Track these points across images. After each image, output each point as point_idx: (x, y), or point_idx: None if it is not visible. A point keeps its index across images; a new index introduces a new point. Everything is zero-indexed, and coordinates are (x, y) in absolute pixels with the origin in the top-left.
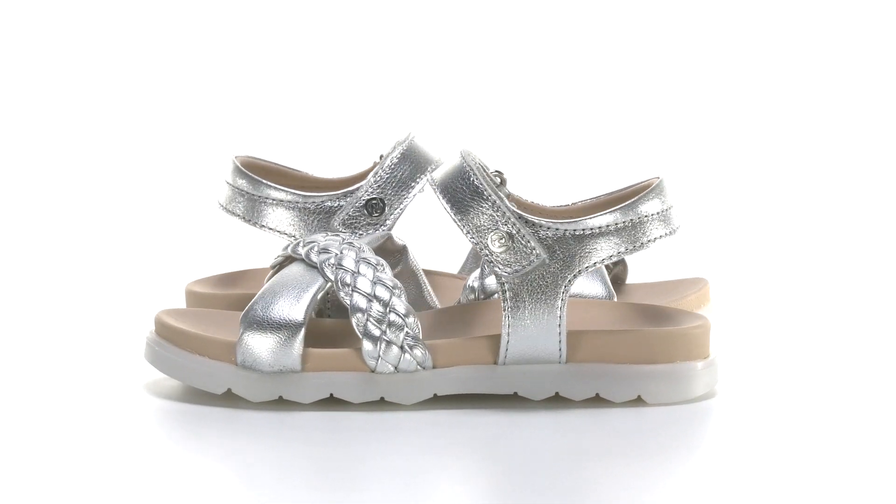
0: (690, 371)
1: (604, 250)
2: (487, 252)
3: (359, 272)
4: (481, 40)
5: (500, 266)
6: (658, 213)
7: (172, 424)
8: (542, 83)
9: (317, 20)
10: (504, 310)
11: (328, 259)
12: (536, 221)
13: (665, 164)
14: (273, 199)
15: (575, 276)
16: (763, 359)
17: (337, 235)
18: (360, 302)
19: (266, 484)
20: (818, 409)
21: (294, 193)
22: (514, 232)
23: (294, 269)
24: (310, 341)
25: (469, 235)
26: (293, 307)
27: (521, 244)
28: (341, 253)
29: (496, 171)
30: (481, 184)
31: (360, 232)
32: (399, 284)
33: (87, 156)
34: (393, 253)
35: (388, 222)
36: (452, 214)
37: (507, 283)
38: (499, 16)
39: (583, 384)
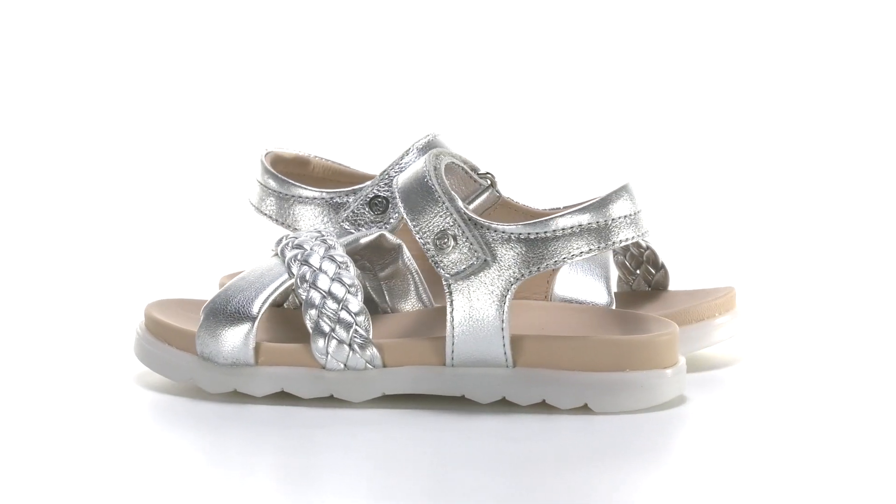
0: (639, 381)
1: (554, 255)
2: (432, 253)
3: (321, 269)
4: (497, 42)
5: (443, 268)
6: (619, 219)
7: (164, 416)
8: (560, 89)
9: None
10: (448, 312)
11: (296, 255)
12: (486, 224)
13: (690, 173)
14: (301, 198)
15: (518, 280)
16: (771, 367)
17: (317, 232)
18: (315, 298)
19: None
20: (820, 419)
21: (310, 190)
22: (458, 234)
23: (267, 264)
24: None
25: (418, 235)
26: (250, 301)
27: (465, 246)
28: (310, 250)
29: (485, 173)
30: (433, 185)
31: (363, 230)
32: (357, 284)
33: (121, 152)
34: (388, 251)
35: (391, 221)
36: (405, 214)
37: (451, 284)
38: (514, 18)
39: (529, 389)
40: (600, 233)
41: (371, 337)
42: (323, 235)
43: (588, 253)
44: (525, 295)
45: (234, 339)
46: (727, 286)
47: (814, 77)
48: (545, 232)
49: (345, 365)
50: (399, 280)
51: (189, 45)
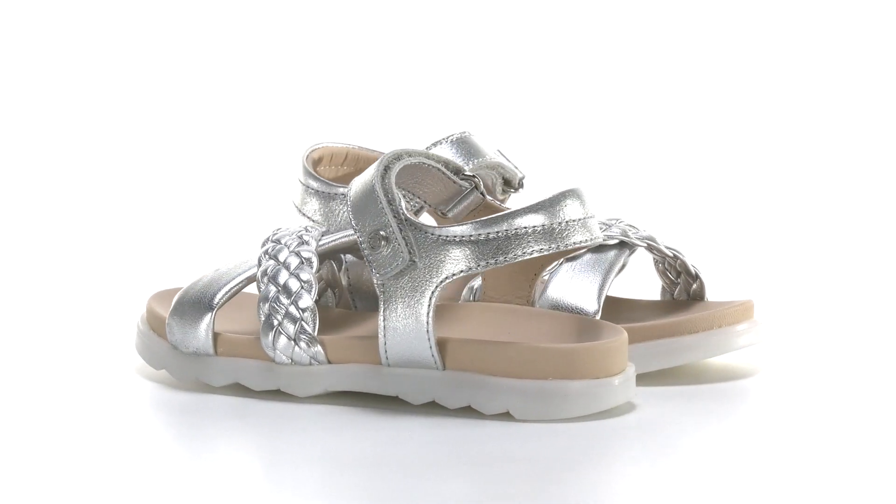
0: (561, 389)
1: (463, 260)
2: (366, 252)
3: (283, 264)
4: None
5: (374, 267)
6: (540, 226)
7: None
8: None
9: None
10: (380, 311)
11: (268, 249)
12: (421, 226)
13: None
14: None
15: (440, 284)
16: (789, 378)
17: (303, 228)
18: (270, 292)
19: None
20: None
21: (330, 184)
22: (390, 234)
23: (246, 256)
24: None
25: (356, 234)
26: (214, 291)
27: (394, 247)
28: (283, 245)
29: (470, 176)
30: (376, 185)
31: None
32: (313, 281)
33: (141, 150)
34: None
35: None
36: (349, 212)
37: (383, 284)
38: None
39: (457, 393)
40: (547, 234)
41: (316, 333)
42: (306, 231)
43: (537, 253)
44: (507, 298)
45: (195, 327)
46: (745, 298)
47: (830, 85)
48: (480, 234)
49: (291, 359)
50: None
51: (195, 44)
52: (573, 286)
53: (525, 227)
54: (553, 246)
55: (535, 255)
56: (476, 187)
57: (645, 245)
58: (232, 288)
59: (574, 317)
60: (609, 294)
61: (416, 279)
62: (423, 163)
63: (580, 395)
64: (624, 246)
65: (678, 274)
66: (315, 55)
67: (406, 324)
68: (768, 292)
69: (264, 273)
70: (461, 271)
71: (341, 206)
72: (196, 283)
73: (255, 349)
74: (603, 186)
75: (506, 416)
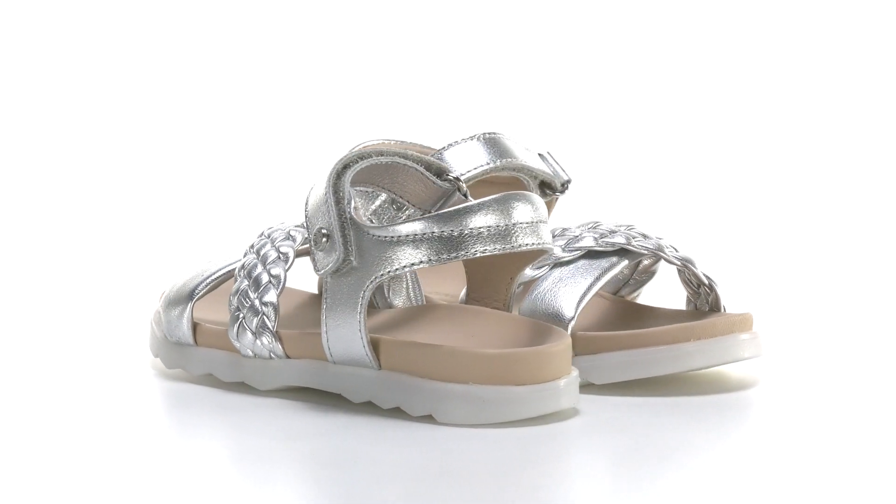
0: (481, 394)
1: (408, 258)
2: (312, 249)
3: (262, 258)
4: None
5: (316, 264)
6: (485, 228)
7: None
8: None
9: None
10: (322, 309)
11: (254, 244)
12: (362, 227)
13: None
14: None
15: (372, 282)
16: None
17: (297, 227)
18: (242, 285)
19: None
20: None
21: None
22: (331, 233)
23: (242, 252)
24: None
25: (307, 230)
26: (195, 283)
27: (334, 244)
28: (269, 239)
29: (452, 178)
30: (328, 184)
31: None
32: (282, 278)
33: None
34: None
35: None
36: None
37: (326, 281)
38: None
39: (389, 393)
40: (499, 235)
41: (274, 328)
42: (298, 228)
43: (487, 252)
44: (486, 301)
45: (177, 317)
46: (744, 311)
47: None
48: (396, 236)
49: (253, 352)
50: (394, 278)
51: (214, 48)
52: (556, 291)
53: (474, 228)
54: (504, 246)
55: (485, 254)
56: (458, 189)
57: (649, 254)
58: (213, 280)
59: (532, 322)
60: (638, 301)
61: (353, 278)
62: (400, 163)
63: (499, 400)
64: (626, 254)
65: (699, 284)
66: (344, 54)
67: (343, 321)
68: (762, 304)
69: (243, 266)
70: (395, 269)
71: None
72: (184, 275)
73: (227, 341)
74: (619, 193)
75: (431, 418)
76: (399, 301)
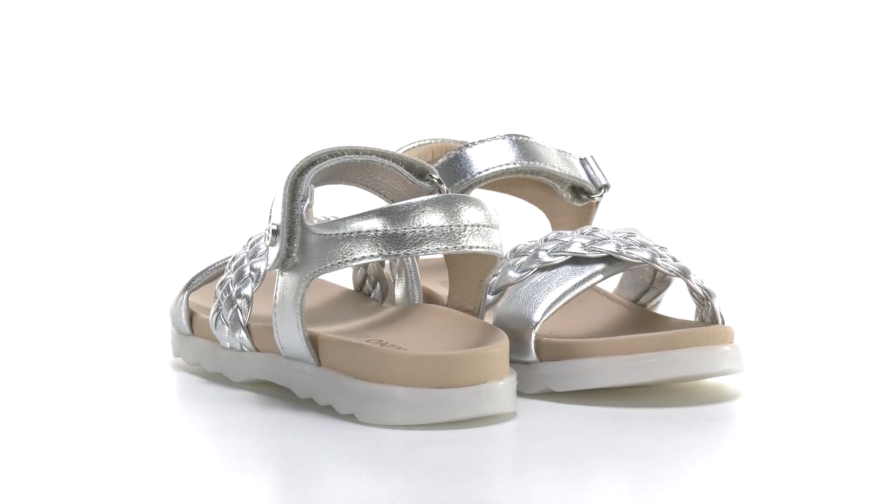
0: (398, 395)
1: (351, 254)
2: (266, 244)
3: (251, 254)
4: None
5: (267, 259)
6: (429, 228)
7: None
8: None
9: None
10: (273, 304)
11: (254, 236)
12: (307, 226)
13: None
14: None
15: (310, 278)
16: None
17: None
18: (227, 276)
19: None
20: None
21: None
22: (280, 229)
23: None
24: None
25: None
26: (197, 273)
27: (280, 241)
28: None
29: (435, 179)
30: (285, 182)
31: None
32: (262, 272)
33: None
34: None
35: None
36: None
37: (277, 277)
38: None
39: (323, 390)
40: (397, 240)
41: (246, 321)
42: None
43: (380, 257)
44: (461, 304)
45: (175, 306)
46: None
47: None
48: (337, 233)
49: (229, 343)
50: (399, 275)
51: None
52: (531, 295)
53: (419, 227)
54: (450, 246)
55: (435, 253)
56: (438, 191)
57: (642, 263)
58: (210, 271)
59: (484, 325)
60: (657, 311)
61: (296, 274)
62: (377, 162)
63: (418, 403)
64: (614, 262)
65: (703, 299)
66: (361, 55)
67: (286, 317)
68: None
69: (234, 258)
70: (336, 265)
71: None
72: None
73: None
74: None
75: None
76: (401, 300)
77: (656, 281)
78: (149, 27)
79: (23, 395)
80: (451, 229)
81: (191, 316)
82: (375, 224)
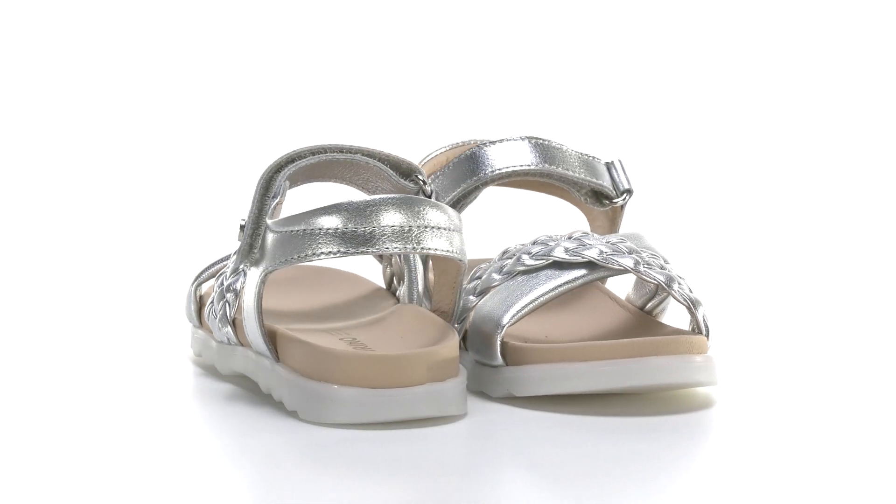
0: (328, 393)
1: (310, 250)
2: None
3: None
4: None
5: (236, 253)
6: (397, 227)
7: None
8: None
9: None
10: (240, 298)
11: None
12: (267, 223)
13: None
14: None
15: (265, 273)
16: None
17: None
18: (224, 269)
19: None
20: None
21: None
22: (245, 224)
23: None
24: None
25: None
26: (205, 266)
27: (245, 236)
28: None
29: (420, 180)
30: (260, 176)
31: None
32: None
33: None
34: None
35: None
36: None
37: (245, 271)
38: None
39: (277, 386)
40: (357, 238)
41: (232, 315)
42: None
43: (338, 254)
44: (440, 306)
45: (187, 299)
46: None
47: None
48: (292, 230)
49: (218, 336)
50: (406, 273)
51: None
52: (505, 297)
53: (378, 226)
54: (408, 247)
55: (395, 252)
56: (423, 192)
57: (623, 270)
58: (214, 264)
59: (445, 326)
60: (661, 318)
61: (258, 269)
62: (361, 161)
63: (351, 402)
64: (595, 268)
65: (689, 309)
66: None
67: (248, 312)
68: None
69: (235, 252)
70: (290, 260)
71: None
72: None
73: None
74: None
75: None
76: (403, 296)
77: (659, 288)
78: (151, 28)
79: (22, 395)
80: (411, 230)
81: (200, 308)
82: (334, 221)
